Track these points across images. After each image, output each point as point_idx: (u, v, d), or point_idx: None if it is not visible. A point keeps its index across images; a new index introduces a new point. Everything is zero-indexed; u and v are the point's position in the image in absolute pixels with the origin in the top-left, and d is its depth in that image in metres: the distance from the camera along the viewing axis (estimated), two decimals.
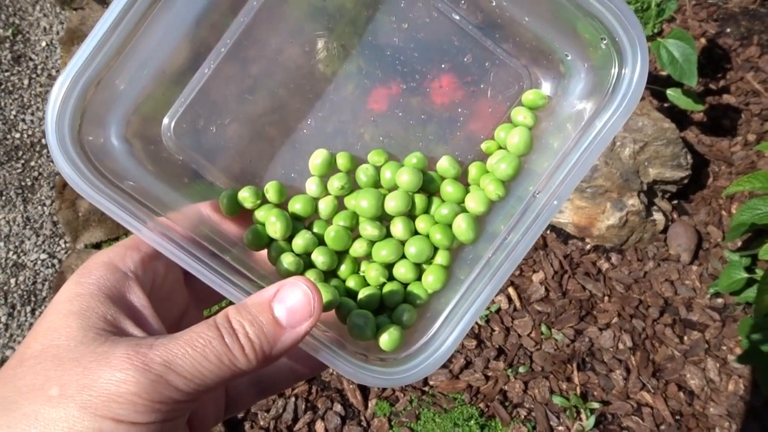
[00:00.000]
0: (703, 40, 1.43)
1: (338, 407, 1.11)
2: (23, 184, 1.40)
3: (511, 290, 1.21)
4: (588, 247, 1.25)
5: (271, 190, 0.37)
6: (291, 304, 0.28)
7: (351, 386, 1.12)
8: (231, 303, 0.30)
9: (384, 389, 1.13)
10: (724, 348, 1.14)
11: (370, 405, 1.11)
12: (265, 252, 0.37)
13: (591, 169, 1.18)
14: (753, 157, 1.30)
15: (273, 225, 0.35)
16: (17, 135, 1.45)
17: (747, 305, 1.15)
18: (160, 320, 0.30)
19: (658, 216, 1.23)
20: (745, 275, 1.06)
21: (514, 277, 1.23)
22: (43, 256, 1.35)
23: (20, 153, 1.43)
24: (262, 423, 1.09)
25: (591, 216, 1.20)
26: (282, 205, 0.37)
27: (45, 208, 1.39)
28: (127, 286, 0.29)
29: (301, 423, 1.09)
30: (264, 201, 0.37)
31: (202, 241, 0.33)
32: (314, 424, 1.09)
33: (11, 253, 1.34)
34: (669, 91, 1.23)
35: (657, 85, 1.31)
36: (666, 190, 1.26)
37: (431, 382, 1.13)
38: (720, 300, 1.18)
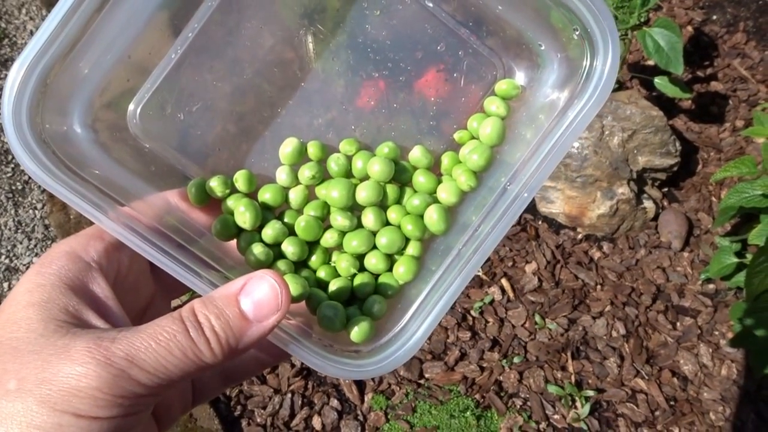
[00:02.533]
0: (689, 28, 1.44)
1: (335, 402, 1.11)
2: (14, 188, 1.40)
3: (504, 281, 1.21)
4: (580, 236, 1.25)
5: (240, 179, 0.36)
6: (258, 297, 0.27)
7: (347, 381, 1.13)
8: (199, 294, 0.29)
9: (380, 382, 1.13)
10: (717, 333, 1.15)
11: (366, 399, 1.12)
12: (234, 242, 0.36)
13: (580, 159, 1.18)
14: (741, 142, 1.30)
15: (242, 215, 0.35)
16: (6, 140, 1.44)
17: (738, 290, 1.15)
18: (125, 311, 0.29)
19: (648, 204, 1.24)
20: (736, 260, 1.06)
21: (507, 268, 1.23)
22: (36, 259, 1.34)
23: (10, 157, 1.43)
24: (259, 420, 1.09)
25: (582, 205, 1.21)
26: (251, 195, 0.37)
27: (36, 211, 1.39)
28: (90, 277, 0.28)
29: (298, 419, 1.09)
30: (233, 190, 0.36)
31: (168, 231, 0.32)
32: (311, 419, 1.09)
33: (3, 257, 1.34)
34: (656, 80, 1.23)
35: (644, 73, 1.32)
36: (656, 178, 1.26)
37: (427, 375, 1.13)
38: (711, 286, 1.19)
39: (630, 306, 1.18)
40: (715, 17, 1.45)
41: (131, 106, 0.36)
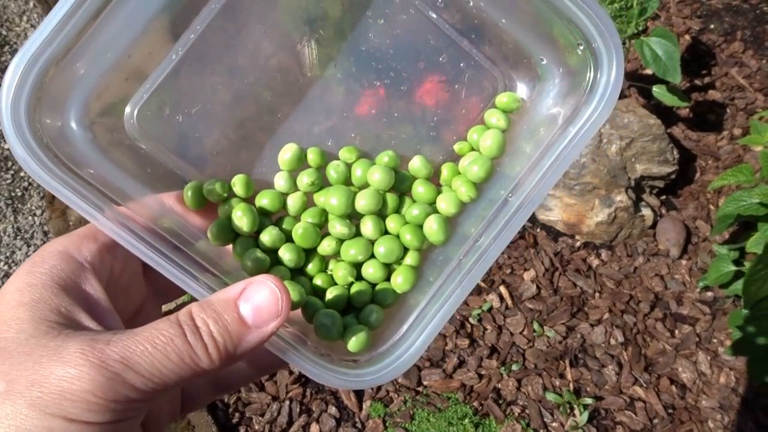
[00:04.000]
0: (687, 37, 1.44)
1: (333, 410, 1.11)
2: (13, 194, 1.40)
3: (502, 289, 1.21)
4: (578, 244, 1.25)
5: (238, 184, 0.35)
6: (258, 302, 0.27)
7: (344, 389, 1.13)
8: (192, 298, 0.29)
9: (378, 390, 1.13)
10: (715, 341, 1.15)
11: (364, 407, 1.11)
12: (230, 247, 0.36)
13: (578, 167, 1.19)
14: (739, 151, 1.31)
15: (239, 219, 0.34)
16: (6, 146, 1.45)
17: (736, 298, 1.15)
18: (117, 314, 0.28)
19: (646, 211, 1.24)
20: (734, 268, 1.07)
21: (506, 276, 1.23)
22: None
23: (9, 164, 1.43)
24: (257, 427, 1.09)
25: (580, 213, 1.21)
26: (249, 200, 0.36)
27: (35, 218, 1.39)
28: (83, 277, 0.28)
29: (296, 426, 1.09)
30: (231, 195, 0.36)
31: (164, 233, 0.32)
32: (309, 426, 1.09)
33: (2, 263, 1.34)
34: (654, 88, 1.24)
35: (642, 82, 1.32)
36: (654, 186, 1.27)
37: (425, 382, 1.13)
38: (710, 293, 1.19)
39: (628, 314, 1.18)
40: (712, 26, 1.46)
41: (129, 107, 0.36)
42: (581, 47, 0.33)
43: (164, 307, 0.37)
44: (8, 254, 1.35)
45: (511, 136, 0.38)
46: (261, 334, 0.27)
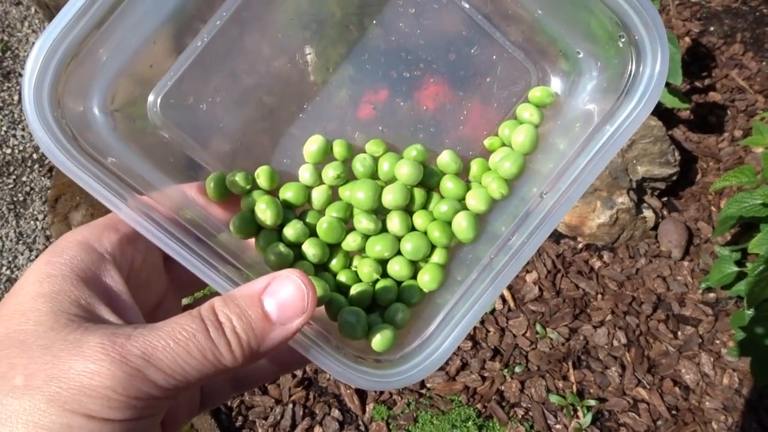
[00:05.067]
0: (687, 39, 1.45)
1: (336, 412, 1.11)
2: (15, 199, 1.40)
3: (505, 291, 1.21)
4: (580, 245, 1.26)
5: (262, 176, 0.34)
6: (283, 298, 0.25)
7: (348, 391, 1.12)
8: (213, 292, 0.28)
9: (381, 393, 1.13)
10: (718, 342, 1.15)
11: (367, 409, 1.11)
12: (252, 241, 0.35)
13: None
14: (740, 152, 1.31)
15: (263, 212, 0.33)
16: (8, 151, 1.45)
17: (739, 299, 1.16)
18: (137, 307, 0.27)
19: (648, 213, 1.24)
20: (736, 269, 1.07)
21: None
22: None
23: (11, 168, 1.44)
24: (260, 431, 1.09)
25: (582, 215, 1.21)
26: (273, 192, 0.35)
27: (37, 222, 1.39)
28: (103, 269, 0.27)
29: (300, 429, 1.09)
30: (254, 186, 0.35)
31: (186, 224, 0.31)
32: (312, 430, 1.09)
33: (5, 268, 1.34)
34: None
35: None
36: (655, 188, 1.27)
37: (428, 385, 1.13)
38: (712, 294, 1.19)
39: (631, 315, 1.18)
40: (712, 28, 1.46)
41: (152, 95, 0.34)
42: (623, 39, 0.31)
43: (183, 301, 0.36)
44: (11, 259, 1.35)
45: (543, 132, 0.36)
46: (285, 331, 0.26)
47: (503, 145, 0.37)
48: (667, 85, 1.21)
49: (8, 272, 1.33)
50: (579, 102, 0.36)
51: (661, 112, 1.33)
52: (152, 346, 0.23)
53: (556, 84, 0.37)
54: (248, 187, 0.34)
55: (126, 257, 0.29)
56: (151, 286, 0.32)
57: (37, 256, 1.35)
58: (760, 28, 1.44)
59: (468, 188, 0.36)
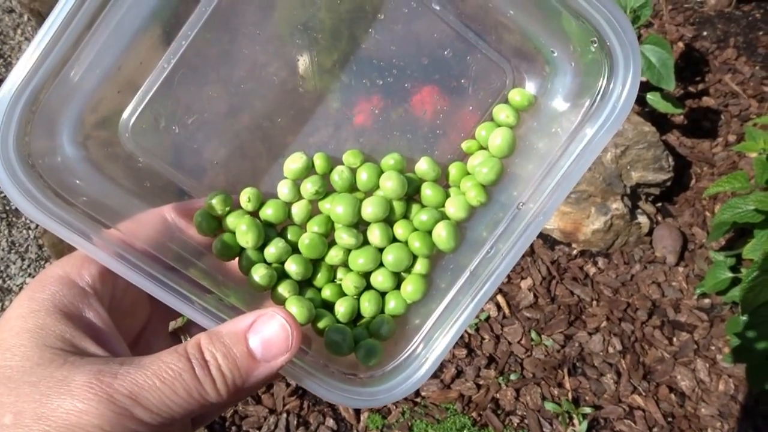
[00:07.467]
0: (680, 44, 1.45)
1: (330, 422, 1.10)
2: (7, 208, 1.39)
3: (499, 297, 1.21)
4: (575, 252, 1.25)
5: (252, 199, 0.35)
6: (267, 336, 0.26)
7: None
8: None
9: None
10: (713, 348, 1.15)
11: (362, 418, 1.11)
12: (235, 262, 0.35)
13: None
14: (734, 157, 1.31)
15: (244, 234, 0.33)
16: None
17: (734, 304, 1.15)
18: (122, 334, 0.28)
19: (642, 219, 1.24)
20: (730, 275, 1.06)
21: (503, 285, 1.23)
22: (29, 280, 1.34)
23: None
24: None
25: (576, 221, 1.21)
26: (255, 212, 0.35)
27: (30, 231, 1.38)
28: (86, 303, 0.27)
29: None
30: (233, 208, 0.35)
31: (163, 252, 0.31)
32: None
33: None
34: (649, 95, 1.24)
35: None
36: (649, 193, 1.27)
37: (423, 393, 1.12)
38: (707, 300, 1.19)
39: (626, 322, 1.18)
40: (705, 33, 1.46)
41: (123, 120, 0.34)
42: (595, 44, 0.31)
43: (172, 324, 0.36)
44: (2, 268, 1.34)
45: (521, 134, 0.36)
46: (270, 368, 0.26)
47: (481, 147, 0.37)
48: (661, 90, 1.21)
49: (0, 282, 1.33)
50: (555, 103, 0.36)
51: (654, 117, 1.33)
52: (139, 385, 0.23)
53: (531, 84, 0.37)
54: (228, 209, 0.34)
55: (107, 288, 0.29)
56: (136, 313, 0.33)
57: (29, 266, 1.34)
58: (753, 32, 1.44)
59: (447, 195, 0.36)
